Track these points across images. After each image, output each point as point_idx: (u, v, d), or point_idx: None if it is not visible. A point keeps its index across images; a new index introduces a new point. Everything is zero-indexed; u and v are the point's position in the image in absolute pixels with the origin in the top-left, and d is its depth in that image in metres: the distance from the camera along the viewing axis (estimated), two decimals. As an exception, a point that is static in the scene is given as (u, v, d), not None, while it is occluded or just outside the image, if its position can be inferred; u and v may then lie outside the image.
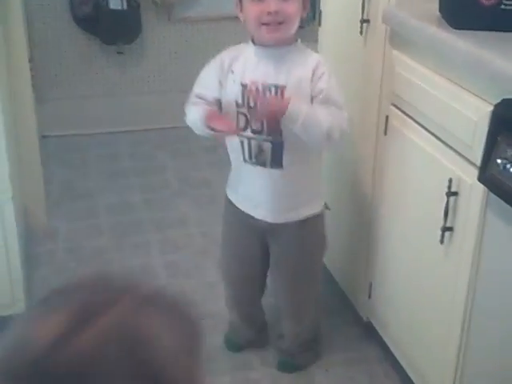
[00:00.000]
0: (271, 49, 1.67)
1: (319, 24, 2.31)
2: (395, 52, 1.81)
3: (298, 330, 2.02)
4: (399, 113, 1.80)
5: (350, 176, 2.15)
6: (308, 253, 1.87)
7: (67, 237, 2.71)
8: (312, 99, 1.67)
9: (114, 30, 3.43)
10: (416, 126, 1.72)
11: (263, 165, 1.71)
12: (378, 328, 2.06)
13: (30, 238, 2.52)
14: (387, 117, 1.86)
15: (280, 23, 1.61)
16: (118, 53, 3.56)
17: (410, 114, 1.75)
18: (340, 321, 2.26)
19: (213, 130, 1.65)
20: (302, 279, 1.92)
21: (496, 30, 1.53)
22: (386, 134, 1.88)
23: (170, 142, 3.50)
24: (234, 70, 1.69)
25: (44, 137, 3.28)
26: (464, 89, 1.52)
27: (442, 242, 1.60)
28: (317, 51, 2.37)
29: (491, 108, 1.40)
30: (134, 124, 3.65)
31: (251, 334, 2.10)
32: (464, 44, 1.49)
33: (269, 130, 1.67)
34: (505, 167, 1.35)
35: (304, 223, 1.80)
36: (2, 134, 1.88)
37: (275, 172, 1.71)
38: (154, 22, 3.62)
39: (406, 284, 1.85)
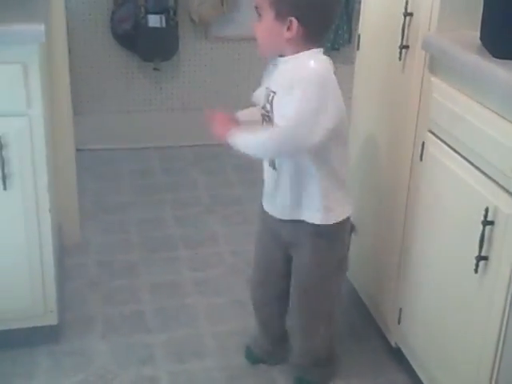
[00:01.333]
0: (276, 59, 1.79)
1: (357, 48, 2.32)
2: (434, 78, 1.81)
3: (308, 345, 2.03)
4: (436, 139, 1.80)
5: (383, 200, 2.15)
6: (321, 267, 1.89)
7: (99, 250, 2.74)
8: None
9: (152, 48, 3.48)
10: (453, 153, 1.72)
11: (271, 166, 1.86)
12: (406, 354, 2.04)
13: (62, 250, 2.54)
14: (423, 143, 1.86)
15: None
16: (155, 69, 3.62)
17: (447, 141, 1.75)
18: (368, 345, 2.24)
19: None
20: (313, 294, 1.93)
21: (537, 61, 1.52)
22: (421, 159, 1.87)
23: (203, 159, 3.53)
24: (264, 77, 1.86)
25: (78, 150, 3.31)
26: (503, 117, 1.51)
27: (476, 271, 1.59)
28: (352, 74, 2.39)
29: (531, 138, 1.40)
30: (167, 140, 3.68)
31: (269, 344, 2.12)
32: (505, 73, 1.49)
33: None
34: (544, 198, 1.34)
35: (317, 231, 1.84)
36: (43, 147, 1.91)
37: (274, 172, 1.86)
38: (191, 39, 3.67)
39: (437, 311, 1.83)
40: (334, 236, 1.89)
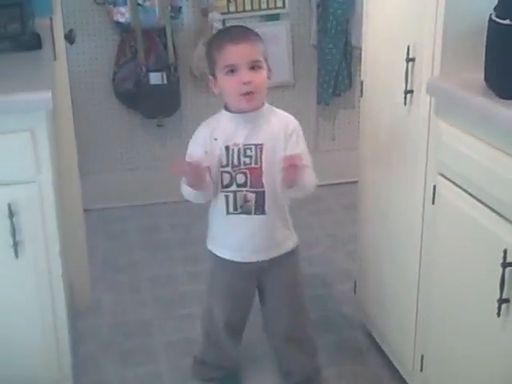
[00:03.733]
0: (246, 114, 1.90)
1: (361, 94, 2.33)
2: (440, 121, 1.81)
3: (307, 354, 2.14)
4: (447, 182, 1.79)
5: (397, 246, 2.13)
6: (298, 281, 2.11)
7: (111, 310, 2.71)
8: (286, 151, 1.90)
9: (155, 105, 3.50)
10: (465, 194, 1.70)
11: (248, 213, 1.93)
12: (432, 403, 1.99)
13: (74, 313, 2.52)
14: (434, 186, 1.85)
15: (253, 93, 1.85)
16: (158, 126, 3.64)
17: (459, 184, 1.74)
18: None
19: (191, 187, 1.89)
20: (300, 304, 2.12)
21: (544, 99, 1.52)
22: (433, 203, 1.86)
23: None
24: (217, 137, 1.91)
25: (85, 210, 3.31)
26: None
27: (498, 314, 1.56)
28: (355, 118, 2.40)
29: (545, 178, 1.39)
30: (174, 195, 3.66)
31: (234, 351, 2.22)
32: (511, 113, 1.49)
33: (252, 183, 1.91)
34: None
35: (291, 254, 2.03)
36: (54, 213, 1.91)
37: (258, 217, 1.93)
38: (193, 94, 3.70)
39: (461, 357, 1.79)
40: (298, 251, 2.08)
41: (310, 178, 1.90)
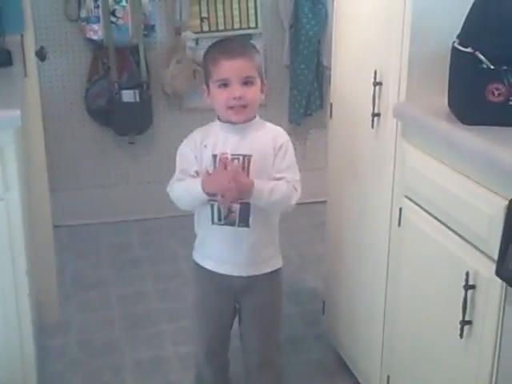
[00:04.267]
0: (236, 125, 1.91)
1: (330, 116, 2.36)
2: (407, 145, 1.84)
3: (271, 378, 2.11)
4: (413, 204, 1.82)
5: (364, 266, 2.15)
6: (276, 302, 2.08)
7: (79, 329, 2.70)
8: (274, 165, 1.91)
9: (127, 122, 3.51)
10: (430, 218, 1.73)
11: (232, 224, 1.92)
12: (397, 422, 2.01)
13: (42, 331, 2.50)
14: (400, 209, 1.88)
15: (244, 106, 1.88)
16: (130, 143, 3.64)
17: (424, 207, 1.77)
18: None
19: (213, 195, 1.84)
20: (274, 327, 2.10)
21: (506, 125, 1.56)
22: (399, 225, 1.89)
23: (182, 230, 3.51)
24: (207, 145, 1.92)
25: (55, 226, 3.30)
26: (477, 183, 1.54)
27: (461, 335, 1.58)
28: (325, 138, 2.43)
29: (506, 203, 1.42)
30: (145, 212, 3.68)
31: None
32: (475, 141, 1.53)
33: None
34: (522, 262, 1.36)
35: (271, 276, 2.01)
36: (21, 232, 1.90)
37: (242, 230, 1.92)
38: (165, 112, 3.71)
39: (425, 378, 1.82)
40: (281, 273, 2.06)
41: (282, 193, 1.87)
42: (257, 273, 1.97)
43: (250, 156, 1.87)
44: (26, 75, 2.43)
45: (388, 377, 2.02)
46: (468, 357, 1.60)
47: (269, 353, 2.09)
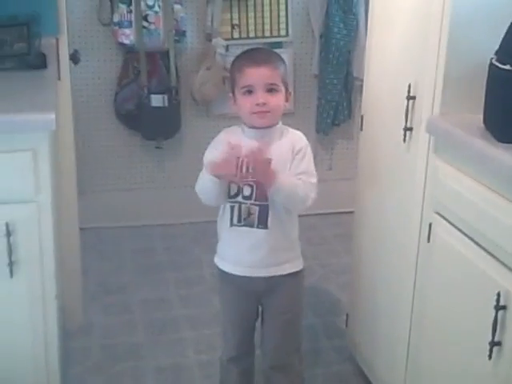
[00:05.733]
0: (259, 129, 1.97)
1: (361, 128, 2.35)
2: (439, 160, 1.82)
3: (286, 381, 2.10)
4: (443, 221, 1.80)
5: (391, 282, 2.13)
6: (296, 305, 2.10)
7: (102, 333, 2.71)
8: (291, 168, 1.95)
9: (155, 127, 3.52)
10: (460, 235, 1.71)
11: (251, 226, 1.96)
12: None
13: (65, 333, 2.51)
14: (430, 224, 1.86)
15: (267, 112, 1.93)
16: (157, 148, 3.65)
17: (454, 223, 1.74)
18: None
19: (217, 177, 1.88)
20: (292, 330, 2.10)
21: (542, 145, 1.54)
22: (429, 241, 1.87)
23: (206, 236, 3.50)
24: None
25: (81, 229, 3.31)
26: (509, 200, 1.51)
27: (490, 357, 1.56)
28: (353, 149, 2.41)
29: (541, 224, 1.40)
30: (169, 217, 3.69)
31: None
32: (509, 158, 1.50)
33: (257, 196, 1.94)
34: (557, 284, 1.33)
35: (292, 278, 2.03)
36: (51, 234, 1.91)
37: (261, 232, 1.96)
38: (193, 117, 3.73)
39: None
40: (302, 276, 2.08)
41: (299, 190, 1.90)
42: (276, 273, 2.00)
43: (270, 159, 1.89)
44: (59, 78, 2.45)
45: (413, 394, 2.00)
46: (496, 379, 1.57)
47: (287, 355, 2.10)
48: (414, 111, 1.94)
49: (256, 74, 1.92)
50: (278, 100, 1.94)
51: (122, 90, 3.52)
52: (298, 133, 2.02)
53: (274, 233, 1.96)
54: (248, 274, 1.99)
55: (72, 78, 2.63)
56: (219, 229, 2.04)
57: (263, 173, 1.86)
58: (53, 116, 1.80)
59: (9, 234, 1.84)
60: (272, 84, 1.92)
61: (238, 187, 1.95)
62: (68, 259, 2.58)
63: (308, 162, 1.97)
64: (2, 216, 1.84)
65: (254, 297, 2.05)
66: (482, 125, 1.69)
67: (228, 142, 1.89)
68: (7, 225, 1.84)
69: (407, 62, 1.99)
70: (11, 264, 1.87)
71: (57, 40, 2.47)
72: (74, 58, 2.66)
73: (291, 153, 1.95)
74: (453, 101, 1.81)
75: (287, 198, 1.90)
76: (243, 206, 1.95)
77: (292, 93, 2.00)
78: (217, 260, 2.07)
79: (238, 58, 2.01)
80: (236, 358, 2.12)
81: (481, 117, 1.69)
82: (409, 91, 1.94)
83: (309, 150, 1.98)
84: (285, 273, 2.01)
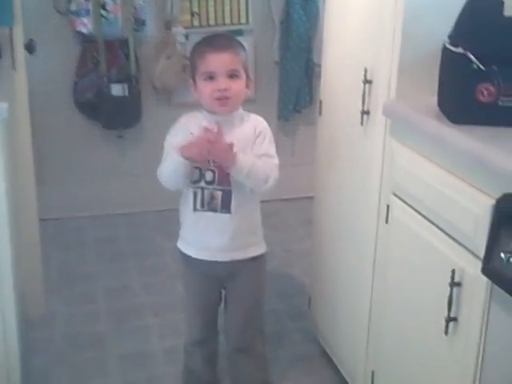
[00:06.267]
0: (219, 115, 1.98)
1: (319, 113, 2.37)
2: (396, 143, 1.85)
3: (250, 365, 2.15)
4: (400, 202, 1.83)
5: (350, 262, 2.16)
6: (259, 289, 2.13)
7: (65, 322, 2.69)
8: (253, 150, 1.97)
9: (116, 116, 3.50)
10: (418, 216, 1.74)
11: (214, 210, 1.98)
12: (381, 418, 2.03)
13: (26, 324, 2.49)
14: (388, 206, 1.89)
15: (228, 98, 1.94)
16: (119, 137, 3.63)
17: (412, 204, 1.78)
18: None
19: (187, 158, 1.90)
20: (255, 313, 2.14)
21: (495, 125, 1.57)
22: (387, 222, 1.91)
23: (168, 224, 3.49)
24: (193, 132, 1.95)
25: (42, 220, 3.28)
26: (465, 182, 1.55)
27: (446, 332, 1.60)
28: (314, 134, 2.44)
29: (493, 202, 1.43)
30: (131, 206, 3.68)
31: (212, 375, 2.21)
32: (464, 140, 1.54)
33: (220, 180, 1.97)
34: (508, 261, 1.37)
35: (254, 262, 2.06)
36: (5, 225, 1.89)
37: (225, 216, 1.98)
38: (154, 107, 3.70)
39: (410, 374, 1.83)
40: (264, 259, 2.11)
41: (259, 169, 1.93)
42: (240, 257, 2.02)
43: (232, 144, 1.91)
44: (14, 68, 2.42)
45: (372, 372, 2.04)
46: (453, 353, 1.61)
47: (250, 338, 2.14)
48: (370, 95, 1.97)
49: (217, 60, 1.92)
50: (239, 86, 1.95)
51: (80, 79, 3.48)
52: (259, 117, 2.04)
53: (237, 217, 1.98)
54: (212, 259, 2.01)
55: (29, 68, 2.59)
56: (182, 214, 2.05)
57: (223, 153, 1.87)
58: (5, 106, 1.78)
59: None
60: (233, 70, 1.93)
61: (200, 172, 1.96)
62: (28, 249, 2.56)
63: (269, 144, 2.00)
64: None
65: (217, 281, 2.07)
66: (437, 107, 1.72)
67: (203, 127, 1.89)
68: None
69: (363, 47, 2.01)
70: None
71: (10, 29, 2.43)
72: (30, 47, 2.62)
73: (252, 136, 1.98)
74: (408, 84, 1.84)
75: (248, 177, 1.91)
76: (206, 190, 1.97)
77: (253, 79, 2.01)
78: (180, 244, 2.08)
79: (198, 43, 2.01)
80: (200, 342, 2.14)
81: (435, 99, 1.72)
82: (365, 75, 1.97)
83: (269, 133, 2.01)
84: (248, 256, 2.04)
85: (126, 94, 3.44)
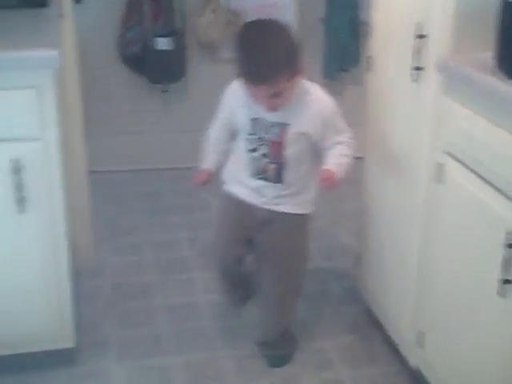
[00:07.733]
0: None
1: (367, 69, 2.33)
2: (449, 100, 1.81)
3: (277, 319, 2.21)
4: (453, 161, 1.80)
5: (400, 221, 2.14)
6: (296, 245, 2.13)
7: (113, 272, 2.75)
8: (326, 137, 2.01)
9: (161, 70, 3.50)
10: (471, 174, 1.72)
11: (266, 180, 2.03)
12: (427, 377, 2.02)
13: (77, 273, 2.54)
14: (440, 165, 1.86)
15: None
16: (163, 91, 3.63)
17: (465, 163, 1.75)
18: (388, 369, 2.23)
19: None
20: (289, 270, 2.13)
21: (556, 82, 1.53)
22: (438, 181, 1.88)
23: (212, 179, 3.53)
24: (244, 105, 1.99)
25: (90, 172, 3.33)
26: (523, 140, 1.52)
27: (500, 294, 1.57)
28: (361, 94, 2.40)
29: (552, 160, 1.40)
30: (176, 161, 3.70)
31: (242, 291, 2.31)
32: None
33: (274, 155, 2.00)
34: None
35: (294, 219, 2.07)
36: (58, 171, 1.91)
37: (277, 184, 2.04)
38: (199, 62, 3.69)
39: (461, 336, 1.81)
40: (308, 220, 2.14)
41: (349, 160, 2.01)
42: (282, 210, 2.05)
43: (288, 125, 1.93)
44: (61, 16, 2.41)
45: (421, 333, 2.03)
46: (506, 316, 1.59)
47: (274, 294, 2.14)
48: (424, 50, 1.92)
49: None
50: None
51: (126, 31, 3.47)
52: (322, 96, 2.02)
53: (289, 186, 2.04)
54: (257, 203, 2.04)
55: (76, 18, 2.59)
56: (234, 152, 2.09)
57: (335, 186, 1.95)
58: (57, 53, 1.78)
59: (16, 170, 1.84)
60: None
61: (257, 144, 2.00)
62: (77, 200, 2.59)
63: (338, 123, 2.03)
64: (7, 152, 1.84)
65: (254, 221, 2.07)
66: (494, 63, 1.67)
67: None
68: (14, 161, 1.84)
69: (416, 0, 1.96)
70: (20, 200, 1.87)
71: (58, -22, 2.42)
72: (77, -5, 2.61)
73: (319, 124, 1.98)
74: (464, 39, 1.79)
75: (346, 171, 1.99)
76: (260, 162, 2.01)
77: (305, 69, 1.95)
78: (229, 186, 2.11)
79: (240, 52, 1.91)
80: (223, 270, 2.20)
81: (492, 54, 1.68)
82: (418, 29, 1.92)
83: (335, 110, 2.03)
84: (292, 211, 2.06)
85: (172, 47, 3.42)
